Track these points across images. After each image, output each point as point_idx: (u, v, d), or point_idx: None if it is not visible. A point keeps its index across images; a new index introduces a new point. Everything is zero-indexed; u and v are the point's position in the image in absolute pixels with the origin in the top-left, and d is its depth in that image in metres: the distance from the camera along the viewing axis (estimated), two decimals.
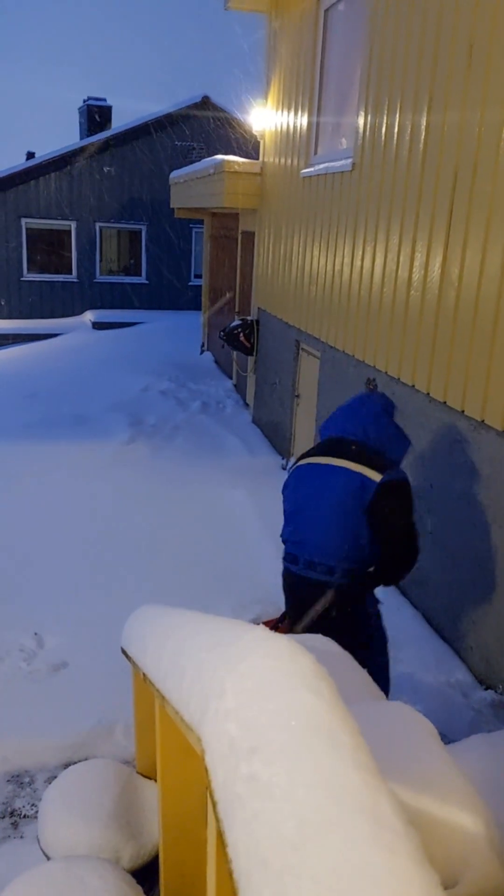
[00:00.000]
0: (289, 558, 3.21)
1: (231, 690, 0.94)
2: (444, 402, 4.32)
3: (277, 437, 8.09)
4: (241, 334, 8.73)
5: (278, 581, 4.61)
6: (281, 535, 3.29)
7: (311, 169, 6.78)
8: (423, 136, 4.47)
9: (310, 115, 6.94)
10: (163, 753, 1.72)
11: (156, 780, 2.56)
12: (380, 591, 4.85)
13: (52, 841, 2.28)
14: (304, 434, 7.24)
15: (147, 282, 17.28)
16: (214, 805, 0.89)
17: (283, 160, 7.85)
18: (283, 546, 3.31)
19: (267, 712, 0.88)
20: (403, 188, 4.79)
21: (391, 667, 3.40)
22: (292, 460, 7.42)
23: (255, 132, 8.79)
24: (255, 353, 8.84)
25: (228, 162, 8.62)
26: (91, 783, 2.44)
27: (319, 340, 6.58)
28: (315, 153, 6.98)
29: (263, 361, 8.70)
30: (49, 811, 2.36)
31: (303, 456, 3.28)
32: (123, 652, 2.49)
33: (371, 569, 3.10)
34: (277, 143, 8.07)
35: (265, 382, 8.62)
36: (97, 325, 15.44)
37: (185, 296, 17.21)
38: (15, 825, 3.10)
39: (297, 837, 0.72)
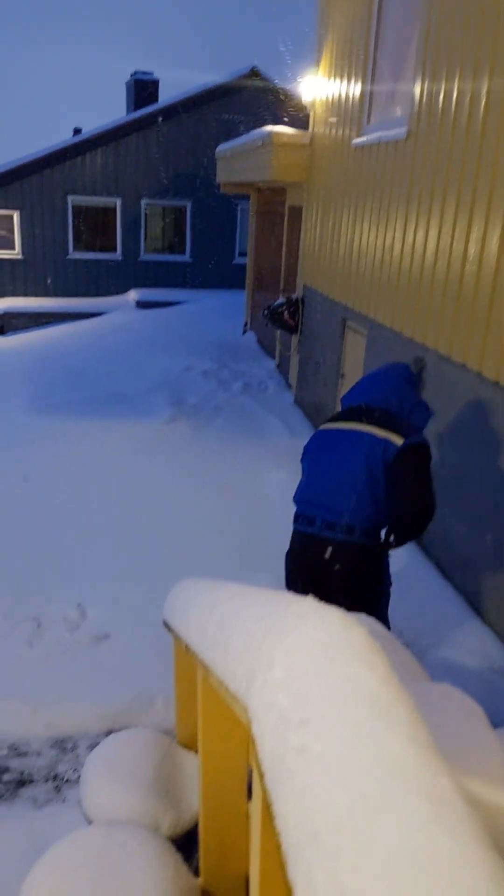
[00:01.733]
0: (304, 521, 3.24)
1: (280, 661, 0.91)
2: (497, 382, 4.20)
3: (320, 418, 8.00)
4: (286, 312, 8.64)
5: None
6: (295, 498, 3.34)
7: (363, 139, 6.62)
8: (483, 103, 4.31)
9: (363, 83, 6.77)
10: (204, 724, 1.71)
11: (196, 752, 2.56)
12: (423, 574, 4.78)
13: (93, 805, 2.30)
14: None
15: (191, 260, 17.23)
16: (261, 776, 0.86)
17: (333, 130, 7.69)
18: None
19: (318, 684, 0.84)
20: (461, 157, 4.63)
21: (435, 651, 3.40)
22: None
23: (304, 102, 8.63)
24: (299, 332, 8.75)
25: (277, 133, 8.48)
26: (132, 751, 2.46)
27: (367, 318, 6.46)
28: (368, 122, 6.81)
29: (308, 340, 8.60)
30: (91, 777, 2.38)
31: (323, 423, 3.39)
32: (165, 624, 2.49)
33: (385, 529, 3.20)
34: (328, 112, 7.90)
35: (309, 362, 8.53)
36: (141, 304, 15.48)
37: (230, 275, 17.12)
38: (58, 789, 3.15)
39: (351, 814, 0.69)
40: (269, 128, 8.80)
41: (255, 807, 1.00)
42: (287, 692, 0.86)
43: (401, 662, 1.99)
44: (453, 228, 4.77)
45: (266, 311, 8.88)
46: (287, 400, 8.85)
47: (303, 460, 3.40)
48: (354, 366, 6.98)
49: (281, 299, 8.84)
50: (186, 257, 17.24)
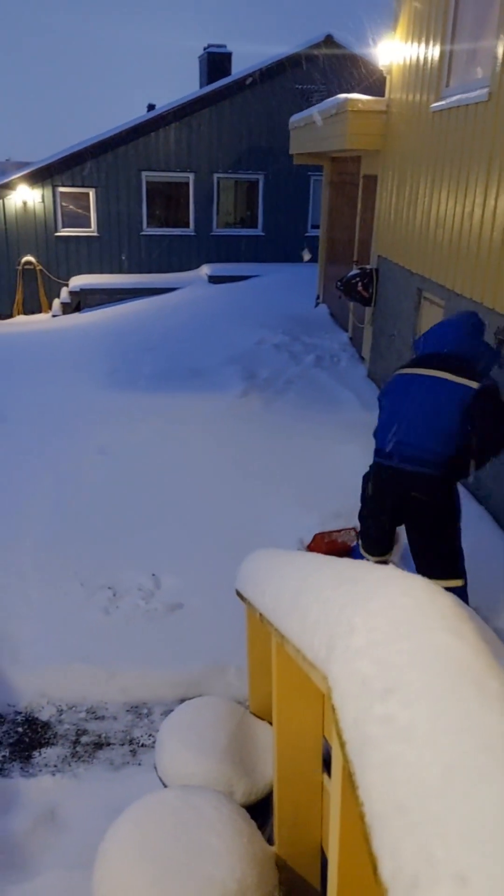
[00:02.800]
0: (383, 455, 3.58)
1: (362, 628, 0.88)
2: None
3: None
4: (360, 284, 8.46)
5: None
6: (376, 434, 3.67)
7: (442, 102, 6.37)
8: None
9: (442, 44, 6.50)
10: (279, 693, 1.70)
11: (269, 721, 2.57)
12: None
13: (168, 770, 2.34)
14: None
15: (263, 234, 17.09)
16: (343, 745, 0.84)
17: (410, 95, 7.43)
18: None
19: (403, 652, 0.81)
20: None
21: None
22: None
23: (381, 67, 8.36)
24: (373, 304, 8.57)
25: (352, 100, 8.25)
26: (206, 718, 2.48)
27: (444, 288, 6.26)
28: (447, 85, 6.55)
29: (382, 312, 8.41)
30: (166, 742, 2.42)
31: (400, 368, 3.69)
32: (238, 594, 2.50)
33: (458, 462, 3.48)
34: (405, 77, 7.64)
35: (383, 334, 8.35)
36: (213, 279, 15.48)
37: (302, 248, 16.91)
38: (133, 753, 3.24)
39: (440, 785, 0.66)
40: (344, 95, 8.57)
41: (335, 776, 0.98)
42: (370, 659, 0.83)
43: (488, 637, 1.92)
44: None
45: (339, 283, 8.73)
46: (360, 373, 8.72)
47: (382, 398, 3.72)
48: None
49: (355, 270, 8.67)
50: (258, 231, 17.11)
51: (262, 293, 13.24)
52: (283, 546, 4.64)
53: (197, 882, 1.65)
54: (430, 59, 6.83)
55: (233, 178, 16.87)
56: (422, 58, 7.08)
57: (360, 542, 3.98)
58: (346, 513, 5.25)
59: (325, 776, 1.78)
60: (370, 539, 3.83)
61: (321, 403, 7.59)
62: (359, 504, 3.93)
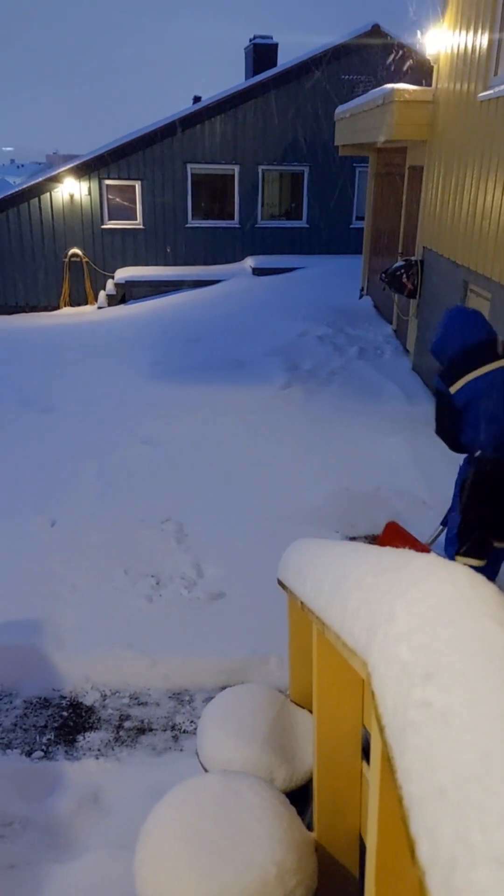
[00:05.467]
0: (489, 448, 3.34)
1: (403, 614, 0.89)
2: None
3: None
4: (404, 275, 8.37)
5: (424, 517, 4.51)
6: (481, 439, 3.36)
7: (490, 92, 6.25)
8: None
9: (491, 32, 6.38)
10: (319, 681, 1.72)
11: (310, 710, 2.59)
12: None
13: (210, 755, 2.38)
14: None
15: (308, 226, 17.01)
16: (382, 730, 0.85)
17: (458, 85, 7.31)
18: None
19: (444, 639, 0.82)
20: None
21: None
22: None
23: (428, 56, 8.24)
24: (418, 296, 8.47)
25: (399, 90, 8.15)
26: (248, 705, 2.51)
27: (491, 280, 6.15)
28: (495, 74, 6.42)
29: (427, 304, 8.31)
30: (208, 728, 2.45)
31: (474, 367, 3.39)
32: (280, 583, 2.51)
33: None
34: (453, 66, 7.51)
35: (428, 327, 8.25)
36: (257, 272, 15.47)
37: (347, 239, 16.78)
38: (175, 738, 3.29)
39: (479, 769, 0.66)
40: (391, 85, 8.47)
41: (374, 760, 0.99)
42: (410, 645, 0.84)
43: None
44: None
45: (384, 275, 8.65)
46: (405, 366, 8.63)
47: (480, 406, 3.38)
48: None
49: (399, 262, 8.58)
50: (303, 223, 17.04)
51: (305, 285, 13.19)
52: (323, 537, 4.65)
53: (236, 865, 1.68)
54: (478, 47, 6.70)
55: (278, 170, 16.82)
56: (470, 46, 6.95)
57: (463, 546, 3.52)
58: (390, 503, 5.23)
59: (364, 764, 1.79)
60: None
61: (365, 395, 7.55)
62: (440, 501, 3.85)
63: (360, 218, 16.40)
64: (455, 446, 3.61)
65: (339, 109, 11.62)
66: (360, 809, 1.83)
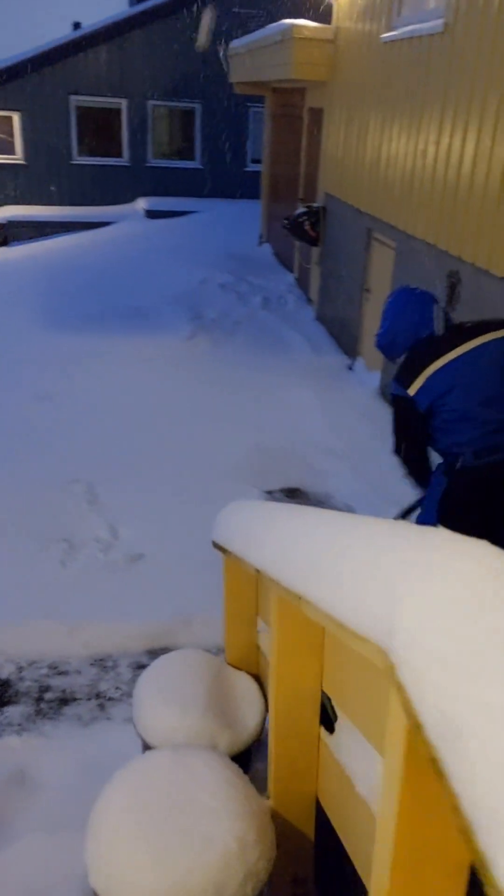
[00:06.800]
0: (487, 452, 2.84)
1: (434, 599, 0.82)
2: None
3: (344, 336, 7.78)
4: (307, 223, 8.27)
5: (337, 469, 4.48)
6: (457, 442, 2.89)
7: (394, 33, 6.15)
8: None
9: None
10: (279, 647, 1.67)
11: (248, 672, 2.55)
12: None
13: (149, 727, 2.30)
14: (374, 332, 6.92)
15: (201, 167, 16.48)
16: (418, 728, 0.78)
17: (360, 24, 7.15)
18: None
19: (487, 629, 0.75)
20: None
21: None
22: (360, 360, 7.15)
23: None
24: (320, 244, 8.41)
25: (298, 27, 7.90)
26: (184, 672, 2.44)
27: (396, 229, 6.16)
28: (398, 14, 6.31)
29: (330, 252, 8.27)
30: (145, 698, 2.36)
31: (431, 360, 2.87)
32: (217, 545, 2.42)
33: None
34: (354, 4, 7.33)
35: (331, 276, 8.23)
36: (150, 214, 14.91)
37: (241, 183, 16.40)
38: (102, 707, 3.19)
39: None
40: (289, 21, 8.19)
41: (395, 756, 0.93)
42: (448, 636, 0.77)
43: None
44: (494, 131, 4.46)
45: (286, 222, 8.52)
46: (308, 315, 8.61)
47: (442, 400, 2.87)
48: (382, 280, 6.72)
49: (301, 209, 8.46)
50: (196, 163, 16.48)
51: (202, 230, 12.85)
52: (249, 496, 4.60)
53: (195, 845, 1.62)
54: None
55: (168, 106, 16.10)
56: None
57: None
58: (304, 456, 5.23)
59: (322, 729, 1.76)
60: None
61: (271, 346, 7.48)
62: None
63: (256, 161, 16.05)
64: (421, 466, 3.08)
65: (234, 44, 11.20)
66: (317, 773, 1.81)
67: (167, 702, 2.32)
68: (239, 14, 15.42)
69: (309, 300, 9.14)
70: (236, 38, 12.16)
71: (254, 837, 1.68)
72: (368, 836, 1.41)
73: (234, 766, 1.87)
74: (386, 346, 3.09)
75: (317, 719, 1.76)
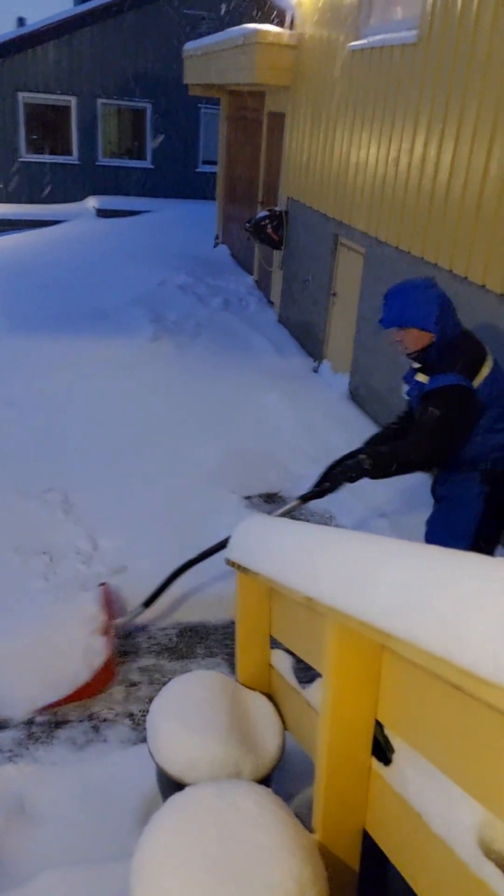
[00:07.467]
0: None
1: None
2: None
3: (309, 339, 7.77)
4: (269, 226, 8.24)
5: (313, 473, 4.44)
6: (500, 444, 2.96)
7: (364, 41, 6.16)
8: None
9: None
10: (336, 679, 1.60)
11: (261, 692, 2.47)
12: None
13: (168, 755, 2.20)
14: (340, 336, 6.94)
15: (152, 166, 16.29)
16: None
17: (325, 32, 7.15)
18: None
19: None
20: (484, 63, 4.31)
21: None
22: (326, 363, 7.15)
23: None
24: (283, 247, 8.38)
25: (262, 32, 7.85)
26: (200, 696, 2.34)
27: (366, 235, 6.17)
28: (367, 23, 6.33)
29: (293, 256, 8.25)
30: (161, 724, 2.26)
31: (484, 357, 2.96)
32: (234, 564, 2.34)
33: None
34: (319, 11, 7.32)
35: (294, 279, 8.21)
36: (101, 213, 14.65)
37: (194, 183, 16.29)
38: (96, 729, 3.06)
39: None
40: (253, 25, 8.15)
41: None
42: None
43: None
44: (472, 142, 4.50)
45: (248, 225, 8.46)
46: (270, 318, 8.58)
47: (484, 413, 2.94)
48: (350, 284, 6.74)
49: (264, 212, 8.42)
50: (147, 163, 16.28)
51: (156, 230, 12.68)
52: (229, 502, 4.52)
53: (256, 889, 1.54)
54: None
55: (118, 105, 15.85)
56: None
57: None
58: (280, 460, 5.18)
59: (374, 759, 1.71)
60: None
61: (236, 349, 7.41)
62: None
63: (207, 162, 15.98)
64: (437, 460, 3.05)
65: (190, 46, 11.08)
66: (365, 805, 1.75)
67: (188, 729, 2.22)
68: (190, 15, 15.31)
69: (270, 302, 9.11)
70: (187, 40, 12.07)
71: (310, 876, 1.61)
72: (447, 881, 1.37)
73: (280, 801, 1.80)
74: (436, 320, 2.87)
75: (369, 750, 1.71)
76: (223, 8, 15.32)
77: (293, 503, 3.43)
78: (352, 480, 3.04)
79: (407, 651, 1.21)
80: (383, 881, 1.95)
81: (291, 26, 8.21)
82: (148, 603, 3.50)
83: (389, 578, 1.30)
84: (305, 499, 3.33)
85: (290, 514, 3.46)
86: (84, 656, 3.24)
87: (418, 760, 1.54)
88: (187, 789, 1.80)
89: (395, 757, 1.64)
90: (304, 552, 1.75)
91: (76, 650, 3.25)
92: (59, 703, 3.12)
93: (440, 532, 3.11)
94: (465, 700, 1.26)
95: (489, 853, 1.33)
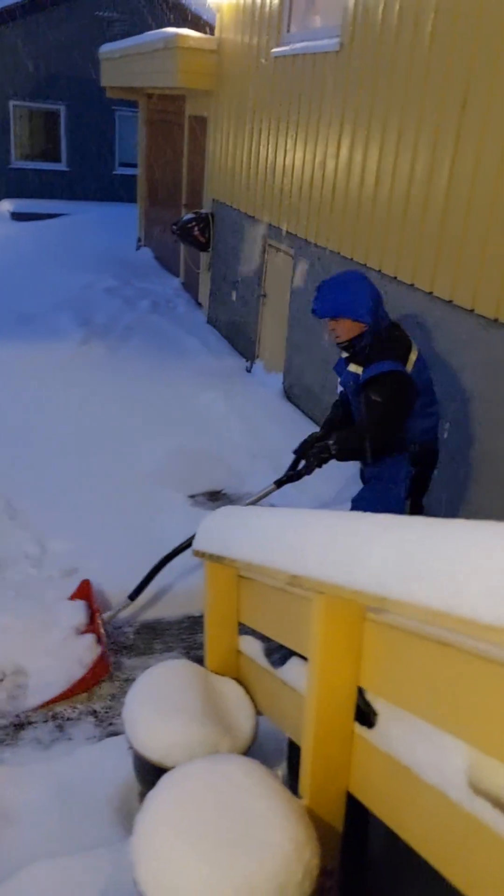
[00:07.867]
0: (431, 436, 3.31)
1: None
2: (451, 301, 4.28)
3: (240, 339, 7.88)
4: (196, 228, 8.31)
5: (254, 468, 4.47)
6: (426, 428, 3.26)
7: (286, 48, 6.33)
8: (433, 15, 4.19)
9: None
10: (323, 649, 1.70)
11: (231, 677, 2.55)
12: None
13: (148, 742, 2.25)
14: (272, 336, 7.08)
15: (68, 169, 16.06)
16: None
17: (245, 37, 7.29)
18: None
19: None
20: (405, 72, 4.52)
21: None
22: (259, 362, 7.28)
23: (210, 4, 8.09)
24: (210, 249, 8.47)
25: (182, 36, 7.93)
26: (174, 683, 2.40)
27: (295, 237, 6.34)
28: (287, 30, 6.50)
29: (220, 258, 8.35)
30: (139, 713, 2.31)
31: (410, 345, 3.18)
32: (202, 553, 2.42)
33: None
34: (239, 17, 7.46)
35: (223, 280, 8.31)
36: (16, 216, 14.34)
37: (111, 186, 16.15)
38: (60, 728, 3.06)
39: None
40: (173, 30, 8.20)
41: None
42: None
43: None
44: (397, 147, 4.71)
45: (174, 227, 8.50)
46: (199, 319, 8.64)
47: (417, 390, 3.15)
48: (279, 286, 6.89)
49: (190, 215, 8.48)
50: (63, 165, 16.04)
51: (76, 233, 12.52)
52: (174, 501, 4.57)
53: (256, 850, 1.62)
54: (268, 1, 6.71)
55: (31, 107, 15.55)
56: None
57: None
58: (223, 458, 5.26)
59: (356, 724, 1.82)
60: None
61: (168, 350, 7.44)
62: None
63: (125, 164, 15.89)
64: (384, 446, 3.16)
65: (107, 49, 11.02)
66: (349, 769, 1.86)
67: (164, 715, 2.28)
68: (102, 17, 15.19)
69: (199, 304, 9.17)
70: (101, 42, 11.98)
71: (304, 836, 1.71)
72: (441, 824, 1.49)
73: (268, 770, 1.88)
74: (370, 311, 3.03)
75: (352, 717, 1.81)
76: (136, 11, 15.27)
77: (269, 487, 3.54)
78: (322, 463, 3.19)
79: (404, 611, 1.32)
80: (364, 841, 2.07)
81: (212, 31, 8.31)
82: (133, 596, 3.58)
83: (381, 548, 1.41)
84: (280, 483, 3.47)
85: (260, 501, 3.60)
86: (77, 652, 3.29)
87: (403, 720, 1.66)
88: (179, 766, 1.86)
89: (379, 720, 1.76)
90: (290, 531, 1.84)
91: (68, 646, 3.31)
92: (56, 700, 3.14)
93: (370, 509, 3.28)
94: (449, 652, 1.40)
95: (478, 792, 1.46)
